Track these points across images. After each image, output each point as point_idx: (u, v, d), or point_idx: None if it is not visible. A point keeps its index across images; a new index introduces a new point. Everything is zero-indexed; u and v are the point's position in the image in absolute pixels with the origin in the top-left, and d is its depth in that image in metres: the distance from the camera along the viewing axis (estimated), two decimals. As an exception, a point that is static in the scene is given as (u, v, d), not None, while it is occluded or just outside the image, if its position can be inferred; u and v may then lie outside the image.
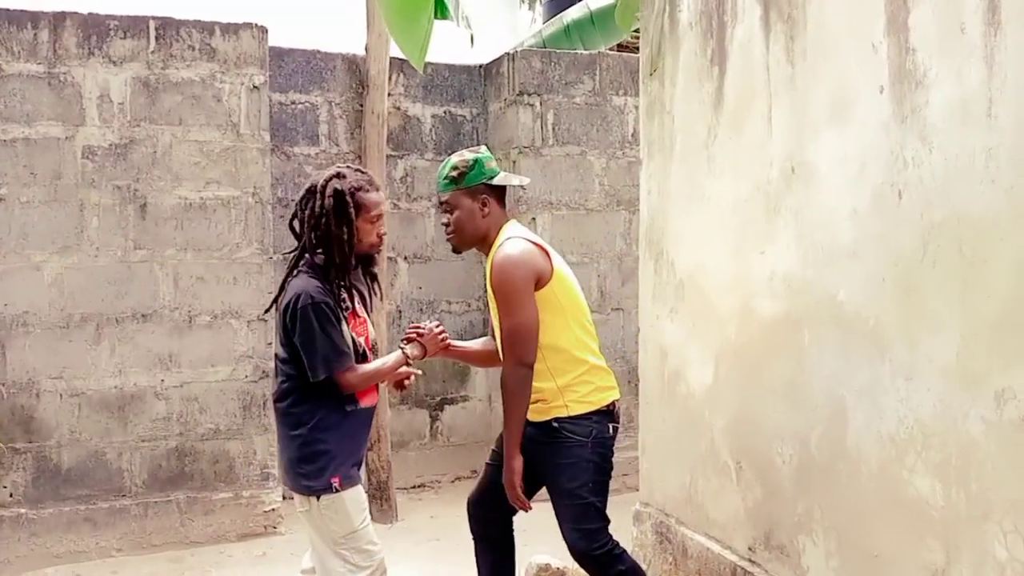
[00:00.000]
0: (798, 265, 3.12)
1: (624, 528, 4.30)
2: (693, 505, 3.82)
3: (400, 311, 6.13)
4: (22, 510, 4.79)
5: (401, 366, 2.97)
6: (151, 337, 4.98)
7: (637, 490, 4.37)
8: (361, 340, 2.94)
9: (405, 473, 5.99)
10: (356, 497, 2.90)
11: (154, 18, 4.96)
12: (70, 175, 4.84)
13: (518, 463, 2.98)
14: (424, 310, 6.18)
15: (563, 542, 3.10)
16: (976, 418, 2.40)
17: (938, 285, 2.52)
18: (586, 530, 2.98)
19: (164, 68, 4.97)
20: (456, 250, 3.20)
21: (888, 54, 2.68)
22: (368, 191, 2.93)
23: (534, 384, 3.01)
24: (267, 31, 5.19)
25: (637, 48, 4.44)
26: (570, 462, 3.03)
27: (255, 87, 5.14)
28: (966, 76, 2.40)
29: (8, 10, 4.75)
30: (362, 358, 2.92)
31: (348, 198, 2.85)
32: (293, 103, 5.86)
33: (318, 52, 5.87)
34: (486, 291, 3.29)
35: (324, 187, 2.85)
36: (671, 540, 3.94)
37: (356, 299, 2.96)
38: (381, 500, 5.54)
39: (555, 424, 3.05)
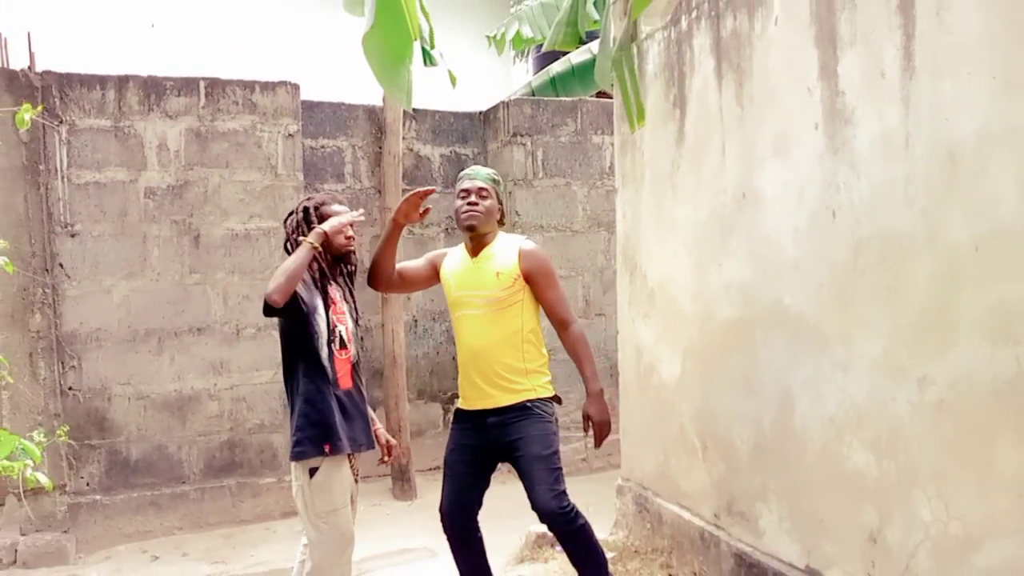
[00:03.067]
0: (750, 276, 3.13)
1: (608, 500, 4.31)
2: (667, 479, 3.82)
3: (416, 320, 6.14)
4: (97, 497, 4.78)
5: (309, 251, 2.75)
6: (205, 347, 4.99)
7: (619, 468, 4.36)
8: (341, 327, 2.87)
9: (423, 457, 5.98)
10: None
11: (204, 78, 4.98)
12: (134, 212, 4.85)
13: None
14: (436, 319, 6.18)
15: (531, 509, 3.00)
16: (902, 401, 2.41)
17: (867, 291, 2.53)
18: (558, 491, 2.92)
19: (212, 120, 4.99)
20: (472, 228, 3.06)
21: (821, 97, 2.70)
22: (329, 204, 2.96)
23: (507, 363, 3.00)
24: (299, 87, 5.21)
25: (612, 95, 4.46)
26: (543, 433, 2.98)
27: (290, 135, 5.16)
28: (887, 115, 2.42)
29: (80, 74, 4.76)
30: (341, 343, 2.85)
31: (312, 210, 2.91)
32: (322, 147, 5.88)
33: (343, 104, 5.90)
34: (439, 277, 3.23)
35: (297, 207, 2.95)
36: (648, 509, 3.94)
37: (337, 292, 2.92)
38: (402, 481, 5.54)
39: (528, 404, 3.00)
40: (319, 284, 2.85)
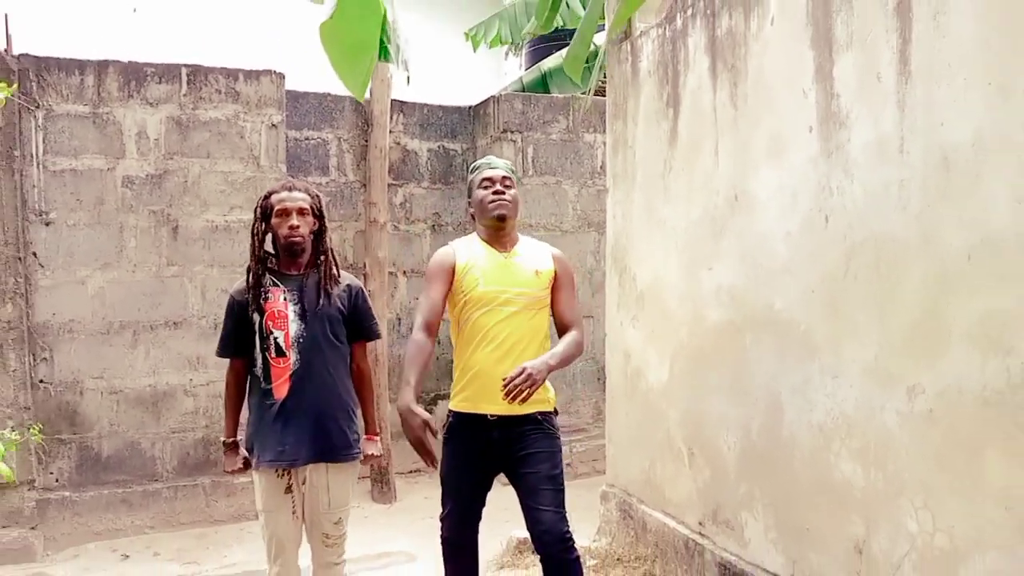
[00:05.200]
0: (741, 279, 3.14)
1: (592, 506, 4.32)
2: (652, 486, 3.83)
3: (400, 318, 6.13)
4: (67, 493, 4.75)
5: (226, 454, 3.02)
6: (181, 342, 4.97)
7: (604, 473, 4.37)
8: (280, 333, 2.79)
9: (403, 460, 5.96)
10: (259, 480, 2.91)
11: (186, 65, 4.96)
12: (111, 201, 4.82)
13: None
14: (420, 318, 6.18)
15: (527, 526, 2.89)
16: (891, 410, 2.43)
17: (859, 297, 2.55)
18: (562, 515, 2.84)
19: (194, 109, 4.96)
20: (503, 217, 2.92)
21: (816, 99, 2.72)
22: (277, 192, 2.88)
23: None
24: (284, 77, 5.19)
25: (605, 92, 4.47)
26: (552, 451, 2.89)
27: (274, 125, 5.14)
28: (882, 118, 2.44)
29: (58, 59, 4.73)
30: (277, 350, 2.80)
31: (260, 203, 2.88)
32: (307, 139, 5.86)
33: (328, 95, 5.88)
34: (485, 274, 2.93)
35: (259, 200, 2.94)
36: (633, 516, 3.95)
37: (281, 295, 2.82)
38: (382, 483, 5.53)
39: (539, 416, 2.89)
40: (251, 294, 2.82)
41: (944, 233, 2.24)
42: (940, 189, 2.25)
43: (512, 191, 2.98)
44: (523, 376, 2.62)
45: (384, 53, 5.58)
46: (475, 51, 6.52)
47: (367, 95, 5.75)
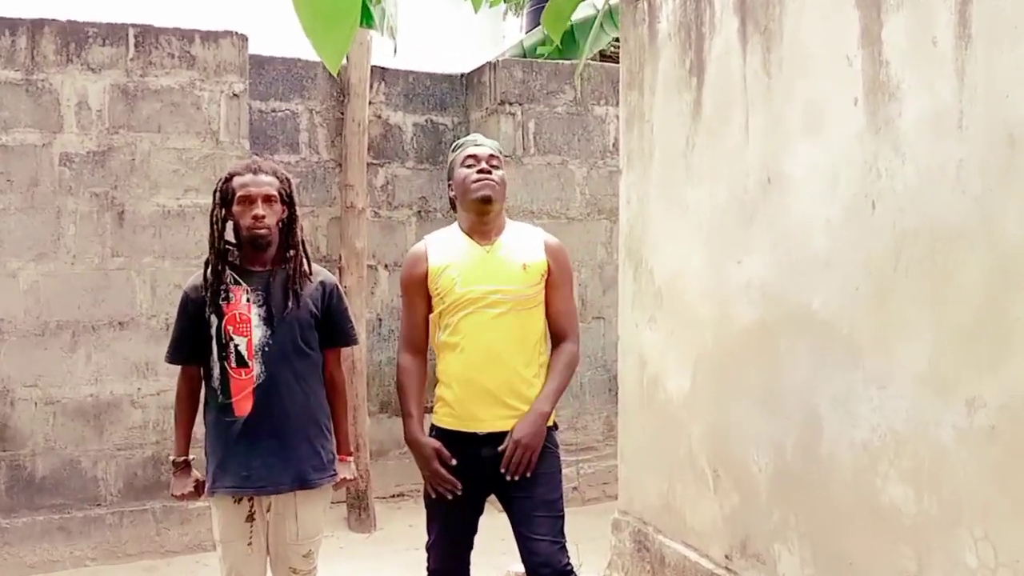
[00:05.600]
0: (773, 274, 3.15)
1: (603, 536, 4.33)
2: (671, 512, 3.83)
3: (380, 319, 6.13)
4: (-4, 519, 4.76)
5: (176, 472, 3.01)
6: (128, 345, 4.97)
7: (615, 499, 4.38)
8: (242, 340, 2.78)
9: (384, 482, 5.98)
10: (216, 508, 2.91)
11: (133, 26, 4.96)
12: (47, 182, 4.82)
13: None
14: (404, 319, 6.19)
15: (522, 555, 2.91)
16: (947, 426, 2.43)
17: (910, 294, 2.55)
18: (561, 544, 2.85)
19: (143, 75, 4.96)
20: (488, 199, 2.91)
21: (862, 66, 2.72)
22: (241, 175, 2.83)
23: (523, 377, 2.88)
24: (247, 39, 5.19)
25: (618, 58, 4.47)
26: (550, 472, 2.89)
27: (235, 95, 5.14)
28: (938, 89, 2.44)
29: (-14, 16, 4.74)
30: (238, 359, 2.78)
31: (219, 186, 2.85)
32: (273, 111, 5.86)
33: (299, 60, 5.88)
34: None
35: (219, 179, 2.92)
36: (649, 548, 3.96)
37: (244, 294, 2.81)
38: (360, 509, 5.54)
39: None
40: (208, 294, 2.79)
41: (1009, 221, 2.24)
42: (1005, 170, 2.25)
43: (500, 172, 2.98)
44: (518, 452, 2.76)
45: (368, 18, 5.59)
46: (476, 11, 6.51)
47: (343, 61, 5.76)
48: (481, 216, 2.96)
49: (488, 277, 2.90)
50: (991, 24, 2.28)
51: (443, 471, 2.83)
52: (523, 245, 2.98)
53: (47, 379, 4.84)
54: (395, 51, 5.84)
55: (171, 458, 3.03)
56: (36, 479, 4.84)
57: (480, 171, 2.93)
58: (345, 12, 1.51)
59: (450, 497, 2.84)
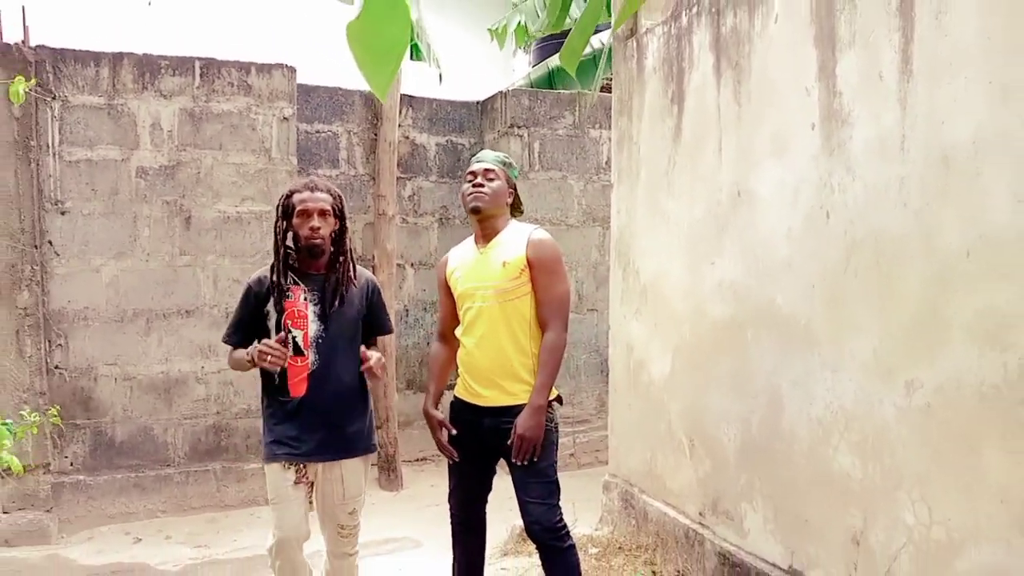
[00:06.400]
0: (742, 275, 3.14)
1: (595, 496, 4.33)
2: (653, 477, 3.83)
3: (407, 310, 6.15)
4: (81, 477, 4.79)
5: (245, 362, 2.80)
6: (193, 330, 4.99)
7: (606, 464, 4.38)
8: (299, 332, 2.76)
9: (410, 448, 6.00)
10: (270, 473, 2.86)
11: (199, 58, 4.97)
12: (125, 192, 4.84)
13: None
14: (428, 309, 6.20)
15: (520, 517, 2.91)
16: (889, 404, 2.42)
17: (859, 293, 2.54)
18: (551, 504, 2.83)
19: (207, 101, 4.97)
20: (477, 210, 2.90)
21: (819, 97, 2.71)
22: (300, 192, 2.82)
23: (512, 360, 2.85)
24: (295, 70, 5.19)
25: (611, 89, 4.46)
26: (544, 444, 2.84)
27: (285, 118, 5.14)
28: (883, 116, 2.43)
29: (74, 50, 4.75)
30: (295, 349, 2.76)
31: (282, 202, 2.83)
32: (317, 132, 5.87)
33: (339, 89, 5.88)
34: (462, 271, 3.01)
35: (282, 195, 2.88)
36: (634, 506, 3.96)
37: (302, 293, 2.79)
38: (389, 471, 5.55)
39: None
40: (274, 292, 2.78)
41: (944, 230, 2.24)
42: (940, 187, 2.24)
43: (493, 183, 2.94)
44: (523, 444, 2.77)
45: (417, 52, 5.58)
46: (501, 48, 6.45)
47: (379, 95, 5.75)
48: (478, 223, 2.98)
49: (478, 275, 2.92)
50: (930, 61, 2.27)
51: (443, 441, 2.97)
52: (510, 244, 2.93)
53: (125, 358, 4.86)
54: (440, 79, 5.82)
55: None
56: (116, 443, 4.86)
57: (475, 185, 2.95)
58: (393, 48, 1.50)
59: (451, 462, 3.01)
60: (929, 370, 2.28)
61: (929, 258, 2.28)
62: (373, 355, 2.82)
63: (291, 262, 2.85)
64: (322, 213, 2.79)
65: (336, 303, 2.82)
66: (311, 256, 2.82)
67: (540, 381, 2.82)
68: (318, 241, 2.78)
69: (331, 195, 2.86)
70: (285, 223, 2.84)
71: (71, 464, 4.78)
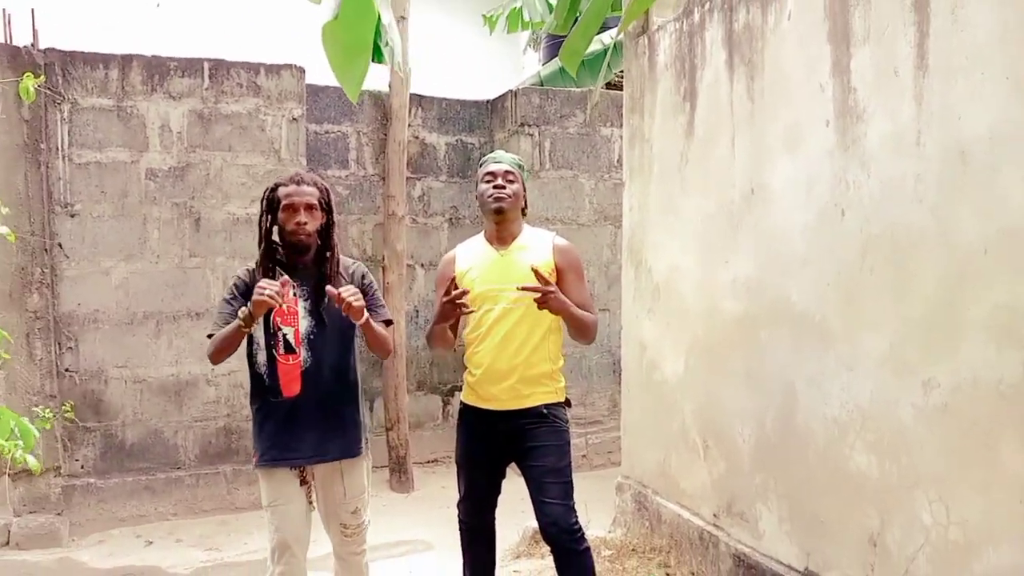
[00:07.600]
0: (756, 271, 3.14)
1: (608, 497, 4.33)
2: (667, 477, 3.83)
3: (417, 310, 6.16)
4: (91, 480, 4.82)
5: (240, 328, 2.64)
6: (203, 332, 4.95)
7: (619, 465, 4.38)
8: (289, 330, 2.68)
9: (421, 450, 6.01)
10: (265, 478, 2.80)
11: (208, 60, 5.00)
12: (135, 193, 4.87)
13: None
14: (438, 310, 6.22)
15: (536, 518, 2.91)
16: (906, 403, 2.42)
17: (875, 289, 2.54)
18: (569, 506, 2.84)
19: (216, 102, 5.00)
20: (500, 211, 2.91)
21: (833, 93, 2.71)
22: (286, 185, 2.76)
23: (533, 363, 2.87)
24: (304, 71, 5.22)
25: (622, 86, 4.46)
26: (558, 444, 2.88)
27: (294, 119, 5.17)
28: (898, 112, 2.43)
29: (83, 53, 4.79)
30: (286, 347, 2.69)
31: (267, 194, 2.78)
32: (327, 132, 5.89)
33: (348, 89, 5.90)
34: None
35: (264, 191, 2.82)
36: (648, 508, 3.96)
37: (292, 289, 2.66)
38: (400, 473, 5.57)
39: (544, 410, 2.88)
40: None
41: (960, 226, 2.23)
42: (956, 182, 2.24)
43: (514, 185, 2.96)
44: (546, 288, 2.70)
45: (378, 55, 5.57)
46: (491, 33, 6.44)
47: (386, 89, 5.78)
48: (497, 224, 2.97)
49: (502, 277, 2.90)
50: (946, 56, 2.27)
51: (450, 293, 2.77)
52: (534, 248, 2.96)
53: (135, 361, 4.90)
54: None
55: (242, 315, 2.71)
56: (126, 446, 4.90)
57: (496, 186, 2.94)
58: (360, 49, 1.55)
59: (460, 470, 3.01)
60: (946, 367, 2.28)
61: (946, 254, 2.28)
62: (341, 290, 2.62)
63: (278, 257, 2.79)
64: (308, 207, 2.72)
65: (327, 298, 2.71)
66: (297, 252, 2.75)
67: (576, 309, 2.83)
68: (303, 236, 2.72)
69: (318, 188, 2.80)
70: (270, 217, 2.77)
71: (82, 467, 4.82)
